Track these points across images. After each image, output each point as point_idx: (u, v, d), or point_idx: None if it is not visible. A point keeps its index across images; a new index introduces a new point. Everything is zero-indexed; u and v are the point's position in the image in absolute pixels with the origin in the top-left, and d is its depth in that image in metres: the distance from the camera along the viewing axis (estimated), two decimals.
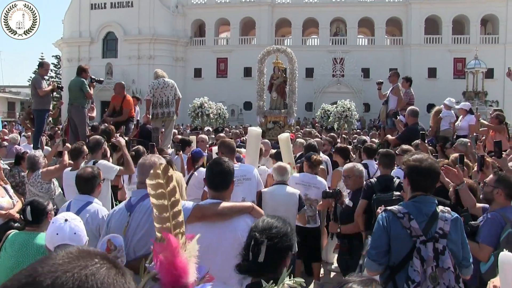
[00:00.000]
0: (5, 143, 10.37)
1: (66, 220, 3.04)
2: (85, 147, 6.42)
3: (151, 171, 2.66)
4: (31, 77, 68.31)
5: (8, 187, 6.29)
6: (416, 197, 3.41)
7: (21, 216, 3.93)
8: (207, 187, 3.66)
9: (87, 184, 4.32)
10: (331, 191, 5.72)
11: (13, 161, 7.71)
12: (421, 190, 3.42)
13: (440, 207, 3.39)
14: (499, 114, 9.38)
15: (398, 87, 11.25)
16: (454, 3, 47.55)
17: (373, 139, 12.20)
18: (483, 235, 4.09)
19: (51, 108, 10.26)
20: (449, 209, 3.45)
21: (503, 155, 5.41)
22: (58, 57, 62.70)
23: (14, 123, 29.49)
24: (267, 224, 2.45)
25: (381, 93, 12.03)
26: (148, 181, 2.67)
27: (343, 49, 48.60)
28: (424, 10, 48.20)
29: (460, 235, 3.35)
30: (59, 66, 61.20)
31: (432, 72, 48.30)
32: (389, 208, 3.40)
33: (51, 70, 59.62)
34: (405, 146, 6.67)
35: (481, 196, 4.47)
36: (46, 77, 10.23)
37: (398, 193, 5.36)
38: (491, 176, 4.37)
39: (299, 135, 14.45)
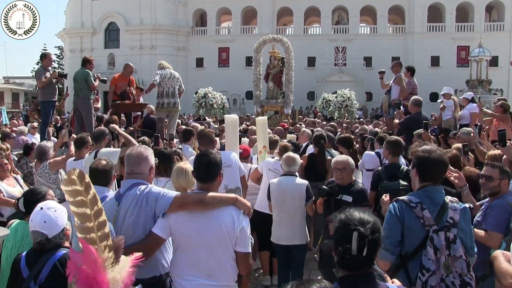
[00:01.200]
0: (14, 134, 10.42)
1: (41, 208, 3.11)
2: (89, 137, 6.44)
3: (65, 176, 2.64)
4: (34, 68, 68.42)
5: (19, 177, 6.38)
6: (425, 187, 3.42)
7: (16, 207, 3.99)
8: (195, 178, 3.65)
9: (104, 176, 4.20)
10: (326, 188, 5.29)
11: (21, 152, 7.78)
12: (430, 180, 3.43)
13: (449, 197, 3.42)
14: (504, 103, 9.36)
15: (400, 77, 11.25)
16: None
17: (376, 129, 12.18)
18: (491, 223, 4.10)
19: (56, 99, 10.28)
20: (456, 199, 3.47)
21: (507, 144, 5.40)
22: (60, 48, 62.75)
23: (20, 115, 29.52)
24: (364, 217, 2.37)
25: (383, 82, 12.02)
26: (63, 187, 2.65)
27: (345, 37, 48.35)
28: None
29: (468, 224, 3.38)
30: (61, 57, 61.21)
31: (435, 61, 48.06)
32: (400, 198, 3.40)
33: (54, 61, 59.69)
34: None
35: (482, 191, 4.47)
36: (50, 68, 10.23)
37: (404, 182, 5.39)
38: (488, 169, 4.35)
39: (301, 124, 14.44)
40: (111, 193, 4.23)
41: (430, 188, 3.39)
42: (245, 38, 49.72)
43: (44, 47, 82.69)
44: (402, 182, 5.44)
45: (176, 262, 3.44)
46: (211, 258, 3.32)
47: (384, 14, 49.49)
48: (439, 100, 12.36)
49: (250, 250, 3.46)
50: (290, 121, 16.57)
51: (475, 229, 4.08)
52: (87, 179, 2.63)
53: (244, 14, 52.28)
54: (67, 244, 3.20)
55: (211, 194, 3.38)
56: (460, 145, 5.96)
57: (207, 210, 3.33)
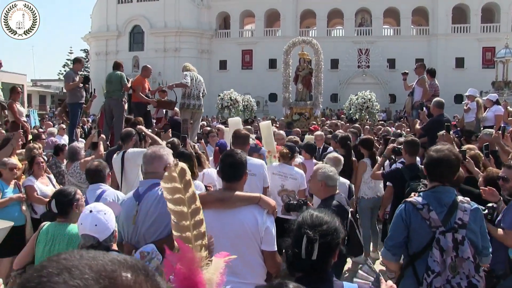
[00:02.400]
0: (44, 135, 10.72)
1: (90, 211, 3.11)
2: (134, 131, 6.64)
3: (166, 173, 2.56)
4: (60, 71, 69.69)
5: (52, 176, 6.62)
6: (434, 187, 3.45)
7: (48, 208, 4.00)
8: (220, 178, 3.69)
9: (96, 175, 4.81)
10: (294, 202, 4.83)
11: (51, 152, 8.01)
12: (437, 180, 3.46)
13: (460, 198, 3.42)
14: None
15: (424, 78, 11.25)
16: None
17: (399, 131, 12.20)
18: (507, 222, 4.12)
19: (84, 101, 10.56)
20: (468, 199, 3.47)
21: None
22: (86, 51, 63.73)
23: (47, 116, 30.14)
24: (317, 219, 2.35)
25: (406, 84, 12.05)
26: (163, 184, 2.57)
27: (368, 39, 48.17)
28: None
29: (479, 225, 3.37)
30: (87, 60, 62.17)
31: (459, 62, 47.47)
32: (408, 199, 3.43)
33: (72, 61, 60.35)
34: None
35: (502, 192, 4.51)
36: (79, 72, 10.54)
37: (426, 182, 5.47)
38: (505, 170, 4.41)
39: (325, 127, 14.49)
40: (107, 187, 4.75)
41: (439, 189, 3.41)
42: (268, 41, 49.90)
43: (70, 50, 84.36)
44: (424, 182, 5.52)
45: None
46: (238, 257, 3.30)
47: (408, 16, 49.11)
48: (463, 102, 12.32)
49: (275, 249, 3.46)
50: (319, 123, 16.61)
51: (494, 228, 4.14)
52: (188, 176, 2.56)
53: (267, 17, 52.42)
54: (115, 246, 3.23)
55: (234, 193, 3.41)
56: (475, 147, 6.00)
57: (228, 208, 3.37)
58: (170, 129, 8.74)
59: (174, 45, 50.98)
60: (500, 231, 4.13)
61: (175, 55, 50.07)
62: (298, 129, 12.82)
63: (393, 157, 7.12)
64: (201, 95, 10.83)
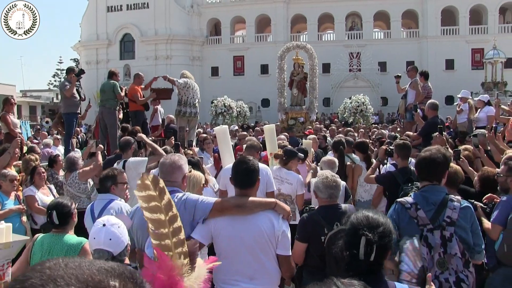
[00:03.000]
0: (40, 146, 10.68)
1: (104, 225, 3.04)
2: (132, 139, 6.67)
3: (138, 181, 2.56)
4: (50, 81, 69.54)
5: (52, 186, 6.62)
6: (424, 187, 3.57)
7: (48, 220, 3.97)
8: (233, 185, 3.71)
9: (105, 184, 4.69)
10: None
11: (46, 163, 7.99)
12: (426, 180, 3.57)
13: (451, 196, 3.53)
14: None
15: (416, 81, 11.39)
16: None
17: (393, 133, 12.28)
18: (494, 216, 4.26)
19: (79, 111, 10.56)
20: (459, 197, 3.59)
21: None
22: (76, 60, 63.55)
23: (38, 127, 29.98)
24: (374, 221, 2.36)
25: (399, 86, 12.16)
26: (137, 193, 2.56)
27: (359, 43, 48.37)
28: (440, 2, 47.66)
29: (470, 222, 3.48)
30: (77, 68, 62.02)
31: (449, 64, 47.84)
32: (398, 200, 3.55)
33: (66, 71, 60.20)
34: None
35: (498, 187, 4.62)
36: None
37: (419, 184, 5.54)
38: (502, 167, 4.51)
39: (320, 132, 14.54)
40: (116, 199, 4.66)
41: (428, 188, 3.53)
42: (259, 46, 50.04)
43: (60, 59, 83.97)
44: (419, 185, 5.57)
45: (218, 267, 3.37)
46: (254, 262, 3.39)
47: (398, 19, 49.44)
48: (455, 103, 12.46)
49: (290, 253, 3.53)
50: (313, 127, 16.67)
51: (485, 221, 4.26)
52: (162, 184, 2.57)
53: (258, 23, 52.57)
54: (127, 260, 3.20)
55: (251, 199, 3.45)
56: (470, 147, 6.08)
57: (246, 215, 3.40)
58: (173, 137, 8.78)
59: (165, 52, 50.96)
60: (487, 224, 4.27)
61: (166, 63, 50.02)
62: (286, 133, 12.83)
63: (385, 161, 7.16)
64: (196, 103, 10.85)
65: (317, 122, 19.72)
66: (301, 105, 17.97)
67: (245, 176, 3.55)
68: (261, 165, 5.83)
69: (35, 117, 55.92)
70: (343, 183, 5.92)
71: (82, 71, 10.78)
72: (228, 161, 6.19)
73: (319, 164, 6.78)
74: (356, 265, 2.29)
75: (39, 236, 3.91)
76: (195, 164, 5.41)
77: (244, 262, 3.38)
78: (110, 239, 2.99)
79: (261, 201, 3.52)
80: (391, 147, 6.75)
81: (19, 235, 4.62)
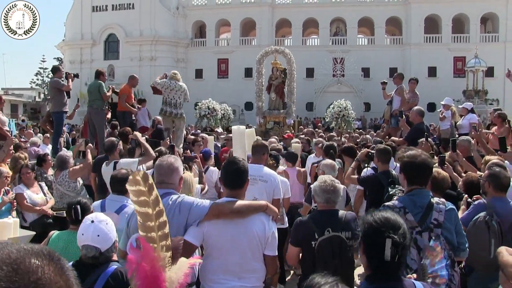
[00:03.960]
0: (27, 144, 10.64)
1: (92, 221, 3.10)
2: (116, 141, 6.69)
3: (130, 177, 2.68)
4: (33, 79, 68.67)
5: (43, 184, 6.62)
6: (412, 190, 3.69)
7: (73, 214, 3.96)
8: (223, 186, 3.76)
9: (122, 185, 4.43)
10: None
11: (34, 162, 7.97)
12: (416, 184, 3.69)
13: (436, 199, 3.67)
14: (501, 113, 9.44)
15: (402, 88, 11.61)
16: (454, 2, 47.68)
17: (379, 138, 12.46)
18: (463, 216, 4.47)
19: (67, 109, 10.57)
20: (444, 200, 3.72)
21: (508, 150, 5.72)
22: (60, 59, 63.00)
23: (19, 125, 29.63)
24: (395, 222, 2.37)
25: (385, 93, 12.35)
26: (128, 187, 2.69)
27: (343, 48, 48.78)
28: (423, 9, 48.34)
29: (454, 223, 3.64)
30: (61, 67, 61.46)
31: (432, 71, 48.44)
32: (386, 204, 3.65)
33: (52, 71, 59.76)
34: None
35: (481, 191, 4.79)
36: (62, 79, 10.61)
37: (402, 188, 5.67)
38: (486, 171, 4.69)
39: (301, 136, 14.66)
40: (129, 202, 4.41)
41: (415, 192, 3.64)
42: (244, 50, 50.15)
43: (43, 58, 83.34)
44: (402, 188, 5.71)
45: (207, 268, 3.52)
46: (243, 262, 3.45)
47: (382, 25, 49.98)
48: (439, 110, 12.69)
49: (277, 253, 3.61)
50: (293, 131, 16.79)
51: None
52: (151, 180, 2.69)
53: (243, 26, 52.69)
54: (115, 257, 3.23)
55: (245, 203, 3.49)
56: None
57: (241, 218, 3.44)
58: (168, 138, 8.85)
59: (150, 53, 50.80)
60: None
61: (150, 64, 49.88)
62: (276, 137, 12.91)
63: (366, 164, 7.27)
64: (180, 104, 10.72)
65: (301, 127, 19.83)
66: (279, 109, 18.06)
67: (235, 176, 3.59)
68: (271, 171, 5.87)
69: (17, 115, 55.21)
70: (342, 187, 6.03)
71: (77, 75, 11.07)
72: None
73: (319, 167, 6.82)
74: (384, 267, 2.29)
75: (55, 233, 3.93)
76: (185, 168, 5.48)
77: (233, 263, 3.43)
78: (98, 235, 3.04)
79: (254, 205, 3.55)
80: (372, 151, 6.88)
81: (25, 230, 4.65)
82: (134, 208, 2.66)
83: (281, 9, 51.43)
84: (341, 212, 4.33)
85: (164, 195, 3.51)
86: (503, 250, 3.14)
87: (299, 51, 44.72)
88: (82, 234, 3.10)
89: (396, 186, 5.65)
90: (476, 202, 4.55)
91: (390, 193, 5.46)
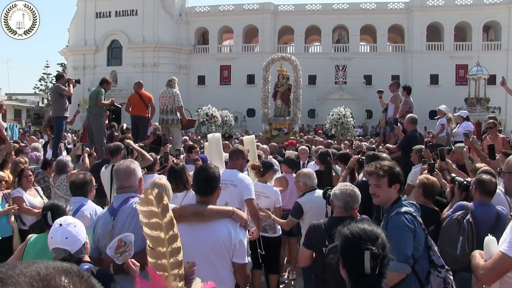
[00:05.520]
0: (28, 149, 10.75)
1: (60, 224, 3.10)
2: (122, 145, 6.79)
3: (142, 196, 2.51)
4: (36, 85, 69.01)
5: (39, 188, 6.70)
6: (400, 198, 3.76)
7: (43, 220, 3.98)
8: (194, 192, 3.75)
9: (80, 188, 4.77)
10: None
11: (34, 167, 8.06)
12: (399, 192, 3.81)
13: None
14: (495, 122, 9.36)
15: (397, 95, 11.68)
16: (456, 10, 47.88)
17: (373, 146, 12.54)
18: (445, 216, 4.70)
19: (67, 115, 10.68)
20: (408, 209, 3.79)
21: (496, 157, 5.79)
22: (63, 65, 63.36)
23: (21, 131, 29.78)
24: (373, 233, 2.29)
25: (382, 101, 12.46)
26: (139, 207, 2.49)
27: (345, 56, 48.95)
28: (425, 17, 48.52)
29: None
30: (65, 74, 61.73)
31: (434, 79, 48.54)
32: (403, 210, 3.49)
33: (55, 77, 60.18)
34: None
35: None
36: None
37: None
38: (474, 178, 4.77)
39: (302, 142, 14.74)
40: (89, 202, 4.73)
41: (404, 198, 3.79)
42: (246, 57, 50.34)
43: (47, 64, 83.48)
44: None
45: None
46: (209, 269, 3.36)
47: (384, 33, 50.10)
48: (436, 117, 12.80)
49: (246, 261, 3.56)
50: (298, 138, 16.83)
51: None
52: (166, 201, 2.48)
53: (245, 33, 52.92)
54: (86, 258, 3.24)
55: (209, 206, 3.48)
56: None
57: (204, 222, 3.43)
58: (168, 144, 8.94)
59: (153, 60, 51.08)
60: None
61: (153, 70, 50.16)
62: (275, 144, 12.97)
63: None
64: (173, 109, 10.89)
65: (301, 134, 19.87)
66: (284, 116, 18.13)
67: (205, 183, 3.59)
68: (243, 175, 5.83)
69: (20, 120, 55.58)
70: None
71: (78, 81, 11.19)
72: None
73: (299, 179, 6.83)
74: (364, 281, 2.21)
75: (33, 236, 3.94)
76: (178, 172, 5.50)
77: (199, 269, 3.32)
78: (66, 238, 3.06)
79: (218, 209, 3.53)
80: (362, 157, 6.92)
81: None
82: (144, 231, 2.44)
83: (283, 16, 51.65)
84: (357, 220, 4.38)
85: (127, 199, 3.57)
86: (476, 254, 3.21)
87: (301, 58, 44.43)
88: (51, 238, 3.12)
89: None
90: (458, 203, 4.63)
91: None
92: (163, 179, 4.71)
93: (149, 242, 2.40)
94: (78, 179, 4.81)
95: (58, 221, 3.16)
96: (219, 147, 7.13)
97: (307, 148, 10.71)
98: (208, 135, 6.76)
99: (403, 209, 3.47)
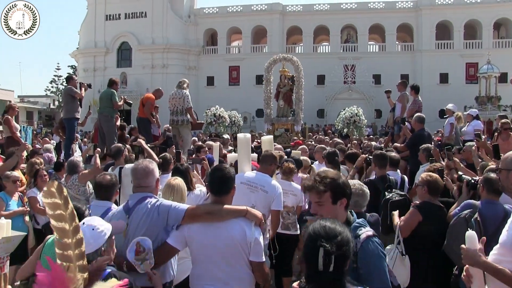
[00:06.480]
0: (41, 151, 10.92)
1: (83, 223, 2.98)
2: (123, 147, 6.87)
3: (45, 188, 2.48)
4: (47, 87, 69.51)
5: None
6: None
7: None
8: (209, 192, 3.77)
9: (107, 191, 4.55)
10: None
11: (48, 167, 8.20)
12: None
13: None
14: (504, 121, 9.19)
15: (404, 95, 11.70)
16: (466, 8, 47.68)
17: (382, 145, 12.55)
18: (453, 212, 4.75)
19: (79, 116, 10.84)
20: None
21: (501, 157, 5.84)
22: (74, 67, 63.82)
23: (35, 132, 30.13)
24: (331, 231, 2.31)
25: (391, 100, 12.49)
26: (44, 200, 2.48)
27: (354, 55, 48.88)
28: (435, 16, 48.31)
29: None
30: (75, 76, 62.18)
31: (443, 78, 48.31)
32: (371, 233, 3.00)
33: (66, 80, 60.78)
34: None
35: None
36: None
37: (402, 192, 5.91)
38: (482, 176, 4.82)
39: (311, 142, 14.74)
40: (114, 206, 4.48)
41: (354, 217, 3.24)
42: (255, 57, 50.35)
43: (58, 66, 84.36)
44: (400, 192, 5.88)
45: (195, 274, 3.58)
46: (227, 268, 3.43)
47: (393, 32, 49.94)
48: (445, 116, 12.80)
49: (263, 259, 3.55)
50: (301, 138, 16.87)
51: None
52: (65, 192, 2.51)
53: (254, 33, 53.01)
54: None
55: (222, 206, 3.49)
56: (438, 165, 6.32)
57: (217, 221, 3.45)
58: (173, 146, 9.06)
59: (162, 61, 51.30)
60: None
61: (162, 72, 50.39)
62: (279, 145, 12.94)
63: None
64: (179, 110, 11.05)
65: (310, 134, 19.87)
66: (287, 117, 18.18)
67: (220, 183, 3.59)
68: (275, 183, 5.83)
69: (32, 122, 56.06)
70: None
71: (90, 85, 11.45)
72: (245, 168, 6.10)
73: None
74: (316, 277, 2.26)
75: (51, 237, 3.86)
76: (182, 172, 5.50)
77: (218, 268, 3.45)
78: (93, 229, 2.95)
79: (232, 209, 3.53)
80: (370, 157, 6.98)
81: (16, 232, 4.79)
82: (51, 223, 2.43)
83: (292, 16, 51.66)
84: (367, 216, 4.47)
85: (142, 199, 3.61)
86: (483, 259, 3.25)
87: (310, 58, 44.92)
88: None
89: (394, 190, 5.81)
90: (465, 202, 4.68)
91: (387, 197, 5.61)
92: (178, 179, 4.71)
93: (56, 234, 2.44)
94: (105, 180, 4.58)
95: (85, 219, 3.11)
96: (248, 148, 7.10)
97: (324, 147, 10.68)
98: (239, 135, 6.77)
99: (367, 231, 2.95)
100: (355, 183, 4.53)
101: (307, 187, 3.07)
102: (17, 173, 6.51)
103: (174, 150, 8.19)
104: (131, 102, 11.86)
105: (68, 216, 2.46)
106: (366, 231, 2.91)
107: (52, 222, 2.43)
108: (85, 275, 2.40)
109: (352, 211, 3.17)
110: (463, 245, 3.06)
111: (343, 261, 2.27)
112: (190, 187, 5.43)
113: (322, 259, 2.22)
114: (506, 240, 2.98)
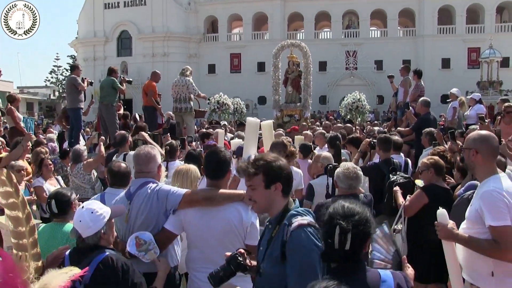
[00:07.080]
0: (45, 141, 10.94)
1: (82, 207, 3.05)
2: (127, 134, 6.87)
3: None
4: (47, 77, 69.34)
5: (60, 178, 6.85)
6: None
7: (48, 208, 4.03)
8: (205, 176, 3.78)
9: (123, 179, 4.43)
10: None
11: (51, 157, 8.20)
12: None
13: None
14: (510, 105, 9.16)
15: (406, 79, 11.74)
16: None
17: (385, 129, 12.54)
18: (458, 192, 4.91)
19: (82, 106, 10.84)
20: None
21: (502, 142, 5.83)
22: (73, 57, 63.64)
23: (36, 123, 30.15)
24: (349, 210, 2.32)
25: (394, 85, 12.54)
26: None
27: (355, 41, 48.70)
28: (437, 1, 47.97)
29: None
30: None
31: (445, 63, 48.14)
32: (306, 222, 2.72)
33: (66, 70, 60.91)
34: None
35: None
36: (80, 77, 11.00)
37: (406, 175, 5.99)
38: None
39: (316, 127, 14.70)
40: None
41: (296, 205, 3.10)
42: (256, 44, 50.22)
43: (57, 56, 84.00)
44: (404, 175, 5.95)
45: (191, 257, 3.59)
46: (223, 251, 3.33)
47: (395, 18, 49.67)
48: (448, 100, 12.80)
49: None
50: (309, 124, 16.84)
51: None
52: (15, 179, 2.49)
53: (255, 20, 52.72)
54: (106, 244, 3.13)
55: (219, 191, 3.49)
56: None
57: (215, 206, 3.45)
58: (169, 133, 9.04)
59: (162, 49, 51.13)
60: None
61: (163, 60, 50.19)
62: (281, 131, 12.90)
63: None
64: (186, 98, 11.18)
65: (312, 120, 19.83)
66: (295, 103, 18.17)
67: (215, 167, 3.59)
68: (295, 169, 5.91)
69: (33, 113, 55.99)
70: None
71: (91, 83, 11.52)
72: (251, 152, 6.03)
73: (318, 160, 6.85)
74: (332, 255, 2.29)
75: (41, 225, 4.02)
76: (196, 157, 5.55)
77: (214, 252, 3.42)
78: (80, 221, 2.97)
79: (229, 193, 3.53)
80: (374, 141, 7.00)
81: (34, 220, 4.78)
82: (5, 213, 2.39)
83: (293, 2, 51.28)
84: (360, 196, 4.57)
85: (143, 184, 3.62)
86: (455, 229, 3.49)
87: (311, 45, 44.06)
88: (80, 221, 3.03)
89: (398, 173, 5.85)
90: (469, 182, 4.69)
91: (392, 179, 5.64)
92: (187, 165, 4.64)
93: (10, 223, 2.41)
94: (122, 168, 4.43)
95: (84, 203, 3.16)
96: (256, 133, 6.95)
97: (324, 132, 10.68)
98: (248, 118, 6.75)
99: (304, 219, 2.67)
100: (349, 166, 4.60)
101: (238, 169, 2.91)
102: (21, 162, 6.51)
103: (169, 138, 8.19)
104: (131, 79, 11.85)
105: (20, 204, 2.44)
106: (300, 220, 2.65)
107: (6, 211, 2.40)
108: (39, 263, 2.39)
109: (297, 199, 3.27)
110: (436, 222, 3.48)
111: (360, 240, 2.28)
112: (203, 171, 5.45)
113: (338, 237, 2.24)
114: (468, 215, 3.46)
